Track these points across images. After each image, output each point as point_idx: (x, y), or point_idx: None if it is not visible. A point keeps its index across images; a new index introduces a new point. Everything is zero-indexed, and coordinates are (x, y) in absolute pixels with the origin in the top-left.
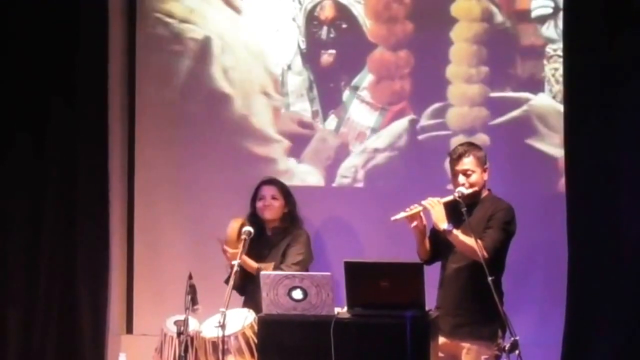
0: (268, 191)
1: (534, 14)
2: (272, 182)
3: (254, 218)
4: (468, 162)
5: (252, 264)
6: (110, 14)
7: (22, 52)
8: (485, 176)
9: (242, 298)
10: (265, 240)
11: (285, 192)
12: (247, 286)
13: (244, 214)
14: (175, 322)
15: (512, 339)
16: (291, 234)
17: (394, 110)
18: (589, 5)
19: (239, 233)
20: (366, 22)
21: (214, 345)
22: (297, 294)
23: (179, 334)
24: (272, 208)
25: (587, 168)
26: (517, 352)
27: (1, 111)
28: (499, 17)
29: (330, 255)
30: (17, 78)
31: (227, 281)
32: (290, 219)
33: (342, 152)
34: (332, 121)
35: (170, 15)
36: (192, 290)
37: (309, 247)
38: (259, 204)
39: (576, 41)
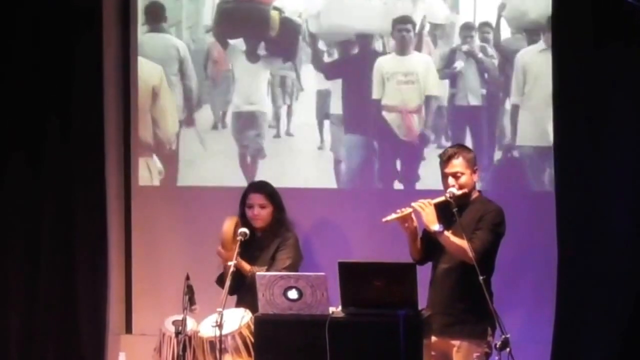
0: (256, 200)
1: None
2: (259, 189)
3: (245, 220)
4: (457, 164)
5: (245, 266)
6: (104, 18)
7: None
8: (475, 178)
9: (236, 299)
10: (256, 243)
11: (273, 197)
12: (238, 287)
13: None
14: (174, 322)
15: (503, 336)
16: (280, 237)
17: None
18: (578, 12)
19: (234, 233)
20: None
21: (212, 344)
22: (293, 294)
23: (177, 333)
24: (261, 217)
25: (577, 169)
26: (508, 349)
27: None
28: None
29: (321, 256)
30: (13, 83)
31: (218, 280)
32: (279, 222)
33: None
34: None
35: None
36: (189, 291)
37: (298, 248)
38: (249, 213)
39: (565, 43)
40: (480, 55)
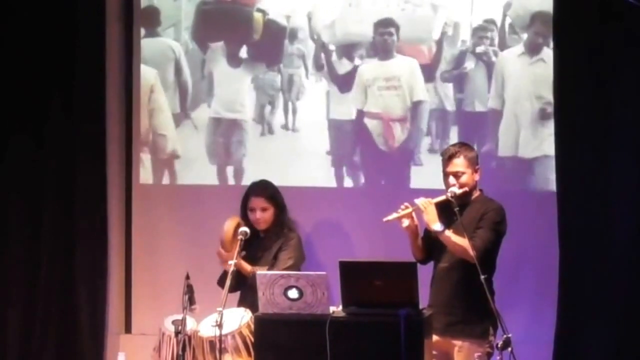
0: (257, 203)
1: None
2: (260, 192)
3: (247, 222)
4: (458, 163)
5: (246, 267)
6: (107, 17)
7: (20, 53)
8: (477, 177)
9: (238, 298)
10: (258, 243)
11: (274, 198)
12: (239, 286)
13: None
14: (173, 322)
15: (505, 336)
16: (282, 237)
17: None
18: (579, 5)
19: (234, 233)
20: None
21: (212, 344)
22: (293, 293)
23: (177, 333)
24: (262, 220)
25: (578, 167)
26: (509, 349)
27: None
28: None
29: (323, 255)
30: (15, 80)
31: (219, 282)
32: (281, 223)
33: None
34: None
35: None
36: (189, 290)
37: (300, 248)
38: (251, 217)
39: (566, 42)
40: (493, 58)
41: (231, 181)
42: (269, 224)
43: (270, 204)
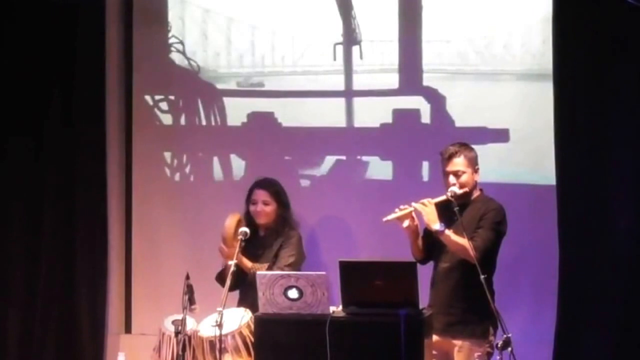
0: (259, 196)
1: None
2: (264, 185)
3: (249, 218)
4: (458, 163)
5: (247, 263)
6: (107, 19)
7: (20, 53)
8: (477, 177)
9: (238, 297)
10: (259, 241)
11: (278, 194)
12: (239, 285)
13: (240, 212)
14: (173, 322)
15: (505, 336)
16: (283, 235)
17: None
18: (579, 6)
19: (236, 230)
20: None
21: (212, 344)
22: (293, 293)
23: (177, 333)
24: (263, 213)
25: (578, 167)
26: (509, 349)
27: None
28: None
29: (324, 255)
30: (15, 81)
31: (217, 277)
32: (283, 221)
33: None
34: None
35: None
36: (189, 290)
37: (301, 247)
38: (252, 209)
39: (565, 42)
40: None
41: (231, 181)
42: (270, 219)
43: (273, 199)
